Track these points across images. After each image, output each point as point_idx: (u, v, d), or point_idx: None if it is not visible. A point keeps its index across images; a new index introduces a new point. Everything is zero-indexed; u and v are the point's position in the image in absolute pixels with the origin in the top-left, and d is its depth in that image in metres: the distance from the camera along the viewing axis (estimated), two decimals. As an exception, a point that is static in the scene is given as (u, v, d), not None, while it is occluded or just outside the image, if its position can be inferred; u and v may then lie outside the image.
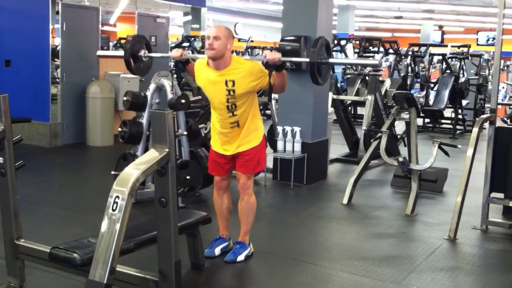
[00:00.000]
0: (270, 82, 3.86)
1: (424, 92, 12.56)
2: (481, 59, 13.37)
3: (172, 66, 12.03)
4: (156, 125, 2.83)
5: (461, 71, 12.30)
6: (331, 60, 3.85)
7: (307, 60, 3.78)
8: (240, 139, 3.96)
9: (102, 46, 9.07)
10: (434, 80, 13.00)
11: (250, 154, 3.99)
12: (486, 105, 12.23)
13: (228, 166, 4.10)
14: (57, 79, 8.51)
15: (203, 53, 12.35)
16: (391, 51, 14.24)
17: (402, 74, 12.73)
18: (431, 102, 11.88)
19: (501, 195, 5.15)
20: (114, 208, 2.55)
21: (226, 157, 4.04)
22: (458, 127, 11.37)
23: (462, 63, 12.48)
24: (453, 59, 13.38)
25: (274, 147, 6.71)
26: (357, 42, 14.45)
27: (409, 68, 13.10)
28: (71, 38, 8.50)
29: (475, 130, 4.93)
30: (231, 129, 3.95)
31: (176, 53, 4.12)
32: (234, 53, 16.01)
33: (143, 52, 4.69)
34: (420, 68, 13.91)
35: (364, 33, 23.39)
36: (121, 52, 4.55)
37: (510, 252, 4.63)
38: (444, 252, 4.52)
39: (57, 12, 8.35)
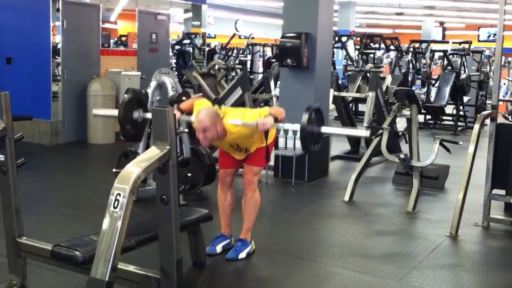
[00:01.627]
0: (266, 144, 3.92)
1: (425, 89, 12.54)
2: (482, 56, 13.35)
3: (173, 63, 12.04)
4: (157, 123, 2.83)
5: (462, 68, 12.27)
6: (323, 129, 3.70)
7: (297, 127, 3.67)
8: (250, 148, 4.04)
9: (102, 43, 9.05)
10: (435, 77, 12.98)
11: (260, 149, 4.03)
12: (488, 101, 12.20)
13: (238, 161, 4.13)
14: (58, 77, 8.51)
15: (203, 50, 12.42)
16: (392, 47, 14.23)
17: (403, 71, 12.71)
18: (432, 99, 11.86)
19: (502, 192, 5.15)
20: (115, 205, 2.55)
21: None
22: (459, 123, 11.37)
23: (463, 59, 12.45)
24: (454, 56, 13.36)
25: (275, 145, 6.70)
26: (358, 38, 14.46)
27: (410, 65, 13.08)
28: (72, 35, 8.49)
29: (477, 126, 4.92)
30: (245, 153, 4.06)
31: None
32: (235, 51, 15.92)
33: (137, 113, 4.29)
34: (421, 64, 13.88)
35: (365, 29, 23.40)
36: (115, 111, 4.19)
37: (511, 249, 4.62)
38: (446, 249, 4.52)
39: (58, 10, 8.35)
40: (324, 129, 3.67)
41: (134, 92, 4.68)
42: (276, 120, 3.72)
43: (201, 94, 6.68)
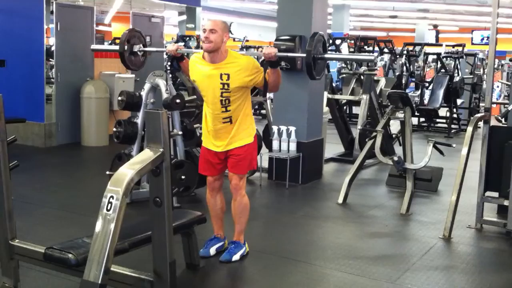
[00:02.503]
0: (265, 79, 3.86)
1: (419, 92, 12.57)
2: (476, 58, 13.39)
3: (167, 65, 12.02)
4: (150, 125, 2.82)
5: (456, 70, 12.32)
6: (326, 55, 3.85)
7: (303, 55, 3.78)
8: (232, 136, 3.95)
9: (96, 46, 9.04)
10: (429, 80, 13.01)
11: (242, 153, 3.98)
12: (481, 104, 12.25)
13: (220, 166, 4.09)
14: (51, 79, 8.49)
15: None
16: (386, 50, 14.25)
17: (397, 74, 12.73)
18: (426, 101, 11.89)
19: (495, 194, 5.16)
20: (108, 208, 2.54)
21: (218, 156, 4.03)
22: (453, 126, 11.40)
23: (457, 62, 12.50)
24: (448, 59, 13.40)
25: (269, 147, 6.71)
26: (352, 41, 14.46)
27: (404, 68, 13.10)
28: (66, 38, 8.48)
29: (470, 129, 4.94)
30: (223, 125, 3.94)
31: (171, 47, 4.16)
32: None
33: (138, 47, 4.67)
34: (415, 67, 13.91)
35: (359, 32, 23.45)
36: (116, 46, 4.52)
37: (504, 251, 4.64)
38: (439, 251, 4.53)
39: (52, 12, 8.33)
40: (328, 55, 3.80)
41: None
42: (277, 63, 3.81)
43: (195, 96, 6.68)
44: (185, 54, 4.26)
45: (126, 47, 4.60)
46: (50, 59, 8.49)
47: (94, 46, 5.12)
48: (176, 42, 12.55)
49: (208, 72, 3.87)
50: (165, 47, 4.84)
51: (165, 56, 11.35)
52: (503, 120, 7.01)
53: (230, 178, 4.05)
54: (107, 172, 5.32)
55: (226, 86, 3.84)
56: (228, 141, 3.96)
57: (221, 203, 4.18)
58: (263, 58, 3.83)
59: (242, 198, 4.07)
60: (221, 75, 3.83)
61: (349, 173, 6.00)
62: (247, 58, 3.91)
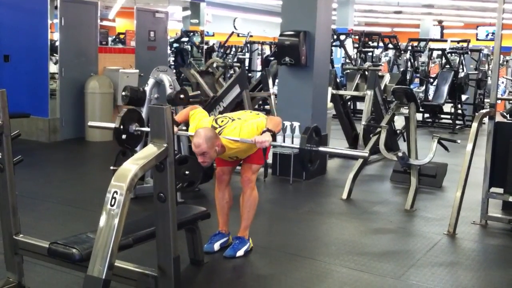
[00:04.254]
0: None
1: (424, 87, 12.56)
2: (481, 54, 13.35)
3: (171, 61, 12.02)
4: (154, 120, 2.81)
5: (461, 66, 12.28)
6: (321, 149, 3.70)
7: (296, 147, 3.65)
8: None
9: (101, 41, 9.03)
10: (433, 75, 12.99)
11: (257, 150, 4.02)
12: (486, 100, 12.21)
13: (236, 161, 4.12)
14: (55, 74, 8.49)
15: (201, 48, 12.40)
16: (390, 46, 14.24)
17: (401, 69, 12.73)
18: (430, 97, 11.87)
19: (500, 190, 5.15)
20: (112, 203, 2.54)
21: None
22: (457, 122, 11.37)
23: (462, 58, 12.46)
24: (453, 54, 13.37)
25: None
26: (357, 37, 14.45)
27: (409, 63, 13.10)
28: (70, 33, 8.48)
29: (475, 125, 4.92)
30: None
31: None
32: (233, 49, 15.85)
33: (134, 127, 4.36)
34: (420, 63, 13.89)
35: (364, 28, 23.36)
36: (111, 124, 4.23)
37: (509, 247, 4.62)
38: (444, 247, 4.52)
39: (56, 7, 8.34)
40: (323, 149, 3.65)
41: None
42: (273, 134, 3.70)
43: (199, 92, 6.68)
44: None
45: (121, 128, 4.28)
46: (54, 54, 8.49)
47: (92, 123, 4.78)
48: (180, 37, 12.57)
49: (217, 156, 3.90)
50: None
51: (169, 51, 11.37)
52: (508, 116, 6.98)
53: (243, 171, 4.07)
54: (111, 167, 5.31)
55: (236, 158, 4.01)
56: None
57: (229, 197, 4.18)
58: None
59: (252, 191, 4.08)
60: (229, 156, 3.95)
61: (353, 169, 5.99)
62: (244, 144, 3.80)
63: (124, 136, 4.04)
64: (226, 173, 4.14)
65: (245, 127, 3.79)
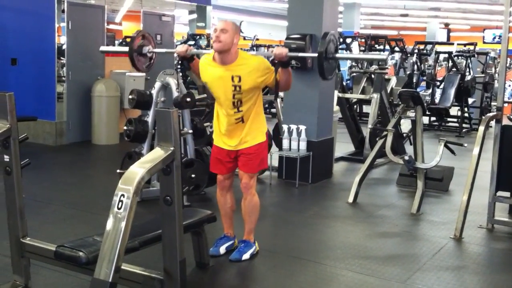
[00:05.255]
0: (276, 79, 3.85)
1: (430, 90, 12.52)
2: (487, 57, 13.31)
3: (177, 64, 12.04)
4: (161, 124, 2.83)
5: (467, 69, 12.25)
6: (338, 55, 3.82)
7: (315, 55, 3.76)
8: (244, 135, 3.96)
9: (107, 45, 9.07)
10: (440, 78, 12.95)
11: (253, 152, 3.98)
12: (493, 103, 12.17)
13: (231, 165, 4.10)
14: (62, 78, 8.53)
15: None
16: (397, 49, 14.20)
17: (408, 72, 12.70)
18: (437, 100, 11.84)
19: (507, 194, 5.14)
20: (119, 206, 2.55)
21: (229, 154, 4.04)
22: (464, 125, 11.34)
23: (468, 61, 12.43)
24: (459, 57, 13.34)
25: (279, 146, 6.70)
26: (363, 40, 14.43)
27: (415, 66, 13.06)
28: (77, 36, 8.51)
29: (481, 128, 4.91)
30: (236, 125, 3.96)
31: (181, 48, 4.12)
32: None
33: (147, 48, 4.63)
34: (426, 66, 13.86)
35: (370, 31, 23.39)
36: (125, 48, 4.48)
37: (516, 251, 4.61)
38: (450, 251, 4.51)
39: (63, 11, 8.37)
40: (339, 55, 3.78)
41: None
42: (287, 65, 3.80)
43: (205, 95, 6.69)
44: (196, 54, 4.25)
45: (136, 48, 4.56)
46: (61, 58, 8.53)
47: (104, 48, 5.07)
48: (186, 41, 12.59)
49: (219, 74, 3.87)
50: (176, 47, 4.79)
51: (175, 55, 11.40)
52: (515, 119, 6.95)
53: (241, 176, 4.06)
54: (118, 171, 5.34)
55: (238, 88, 3.84)
56: (240, 140, 3.97)
57: (231, 201, 4.18)
58: (273, 57, 3.82)
59: (252, 197, 4.07)
60: (232, 77, 3.82)
61: (359, 172, 5.98)
62: (258, 59, 3.91)
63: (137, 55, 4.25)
64: (227, 179, 4.14)
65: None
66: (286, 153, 6.46)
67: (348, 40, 13.25)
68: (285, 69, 3.82)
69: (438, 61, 13.91)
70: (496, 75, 13.19)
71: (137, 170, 2.66)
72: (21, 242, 3.29)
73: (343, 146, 8.51)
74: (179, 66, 8.45)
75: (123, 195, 2.56)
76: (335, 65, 3.97)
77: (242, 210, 4.13)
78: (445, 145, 5.49)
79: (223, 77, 3.85)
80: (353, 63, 13.23)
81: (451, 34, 25.94)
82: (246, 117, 3.93)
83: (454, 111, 11.55)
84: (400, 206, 5.79)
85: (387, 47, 14.40)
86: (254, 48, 15.13)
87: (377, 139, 6.28)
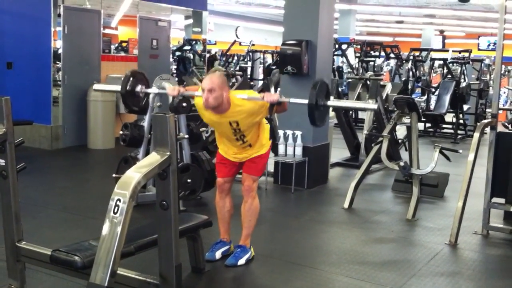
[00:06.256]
0: (271, 105, 3.88)
1: (425, 97, 12.56)
2: (482, 64, 13.37)
3: (173, 69, 12.04)
4: (157, 129, 2.83)
5: (462, 76, 12.30)
6: (329, 103, 3.74)
7: (305, 102, 3.71)
8: (252, 152, 4.06)
9: (103, 49, 9.07)
10: (435, 85, 13.00)
11: (258, 158, 4.07)
12: (487, 110, 12.22)
13: (234, 170, 4.16)
14: (58, 82, 8.53)
15: (204, 56, 12.44)
16: (392, 55, 14.25)
17: (403, 79, 12.73)
18: (432, 107, 11.88)
19: (502, 200, 5.15)
20: (115, 211, 2.55)
21: (235, 163, 4.12)
22: (459, 132, 11.37)
23: (463, 68, 12.48)
24: (454, 64, 13.39)
25: (275, 151, 6.70)
26: (358, 46, 14.48)
27: (410, 73, 13.10)
28: (73, 40, 8.52)
29: (476, 135, 4.93)
30: (243, 149, 4.05)
31: (172, 91, 4.15)
32: (235, 57, 15.87)
33: (140, 88, 4.45)
34: (421, 72, 13.91)
35: (365, 37, 23.46)
36: (117, 87, 4.31)
37: (510, 257, 4.62)
38: (445, 257, 4.52)
39: (59, 15, 8.37)
40: (331, 103, 3.72)
41: (133, 70, 4.74)
42: (279, 103, 3.82)
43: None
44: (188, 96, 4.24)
45: (127, 88, 4.37)
46: (57, 62, 8.52)
47: (97, 87, 4.91)
48: (183, 46, 12.61)
49: (216, 120, 3.91)
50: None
51: (171, 60, 11.40)
52: (510, 126, 6.99)
53: (244, 179, 4.08)
54: (113, 175, 5.34)
55: (237, 130, 3.91)
56: (248, 156, 4.06)
57: (230, 205, 4.19)
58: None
59: (253, 200, 4.09)
60: (230, 122, 3.88)
61: (355, 178, 5.99)
62: (251, 104, 3.84)
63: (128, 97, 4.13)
64: (227, 182, 4.15)
65: (252, 92, 3.98)
66: (282, 158, 6.47)
67: (344, 47, 13.29)
68: (279, 105, 3.87)
69: (433, 67, 13.96)
70: (491, 82, 13.24)
71: (134, 175, 2.66)
72: (16, 246, 3.28)
73: (339, 151, 8.52)
74: (175, 71, 8.38)
75: (119, 199, 2.57)
76: (326, 112, 3.89)
77: (242, 214, 4.14)
78: (440, 151, 5.51)
79: (220, 123, 3.91)
80: (349, 69, 13.26)
81: (446, 41, 26.06)
82: (253, 141, 4.02)
83: (449, 117, 11.60)
84: (395, 212, 5.80)
85: (383, 53, 14.45)
86: (250, 54, 15.17)
87: (372, 145, 6.30)
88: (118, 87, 4.33)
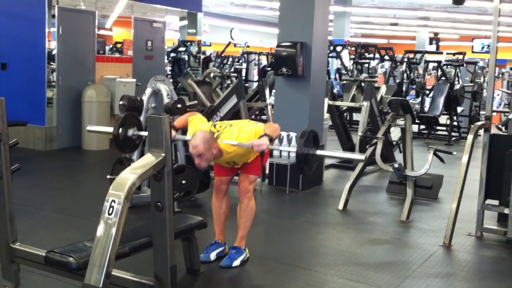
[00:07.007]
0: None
1: (420, 99, 12.60)
2: (476, 67, 13.43)
3: (168, 70, 12.03)
4: (152, 130, 2.83)
5: (456, 78, 12.35)
6: (318, 152, 3.73)
7: (293, 150, 3.70)
8: (246, 159, 4.07)
9: (98, 50, 9.06)
10: (429, 87, 13.05)
11: (254, 160, 4.07)
12: (481, 112, 12.27)
13: (234, 171, 4.17)
14: (53, 83, 8.51)
15: (198, 58, 12.44)
16: (386, 57, 14.30)
17: (397, 81, 12.78)
18: (426, 109, 11.92)
19: (496, 202, 5.16)
20: (110, 212, 2.55)
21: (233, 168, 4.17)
22: (453, 134, 11.41)
23: (457, 70, 12.53)
24: (449, 66, 13.44)
25: (270, 153, 6.71)
26: (353, 48, 14.52)
27: (405, 75, 13.15)
28: (67, 41, 8.50)
29: (470, 137, 4.95)
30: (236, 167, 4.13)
31: None
32: (230, 59, 15.85)
33: (132, 131, 4.37)
34: (416, 75, 13.96)
35: (360, 39, 23.49)
36: (110, 129, 4.24)
37: (504, 259, 4.64)
38: (439, 258, 4.53)
39: (53, 16, 8.35)
40: (319, 152, 3.69)
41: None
42: (271, 139, 3.76)
43: (196, 102, 6.69)
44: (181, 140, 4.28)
45: (120, 131, 4.29)
46: (52, 63, 8.50)
47: (90, 128, 4.78)
48: (177, 47, 12.60)
49: (214, 160, 3.93)
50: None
51: (166, 61, 11.39)
52: (503, 128, 7.02)
53: (241, 180, 4.08)
54: (108, 176, 5.33)
55: (233, 163, 4.01)
56: (242, 162, 4.09)
57: (226, 206, 4.19)
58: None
59: (249, 201, 4.09)
60: (227, 162, 3.97)
61: (350, 180, 6.00)
62: (241, 149, 3.83)
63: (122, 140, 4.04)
64: (224, 183, 4.16)
65: (243, 132, 3.83)
66: (276, 160, 6.48)
67: (339, 49, 13.33)
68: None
69: (428, 70, 14.01)
70: (485, 84, 13.29)
71: (128, 176, 2.66)
72: (11, 247, 3.27)
73: (333, 153, 8.51)
74: (170, 73, 8.38)
75: (114, 200, 2.56)
76: (315, 160, 3.87)
77: (238, 215, 4.14)
78: (435, 153, 5.53)
79: (218, 161, 3.99)
80: (343, 71, 13.30)
81: (440, 43, 26.15)
82: (246, 162, 4.06)
83: (443, 119, 11.64)
84: (390, 213, 5.81)
85: (377, 55, 14.50)
86: (245, 55, 15.19)
87: (367, 146, 6.31)
88: (110, 129, 4.21)
